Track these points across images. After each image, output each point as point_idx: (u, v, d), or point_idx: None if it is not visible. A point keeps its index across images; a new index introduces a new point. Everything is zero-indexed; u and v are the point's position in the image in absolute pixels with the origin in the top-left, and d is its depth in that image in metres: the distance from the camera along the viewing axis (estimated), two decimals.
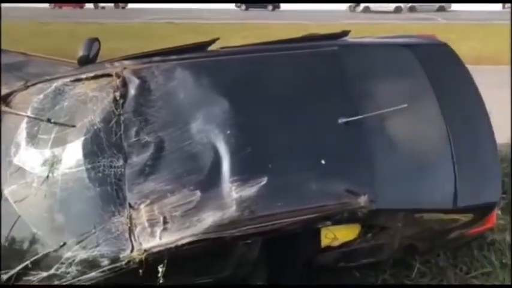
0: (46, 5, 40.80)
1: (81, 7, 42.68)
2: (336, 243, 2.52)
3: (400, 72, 2.74)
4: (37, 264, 2.18)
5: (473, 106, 2.73)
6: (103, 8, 42.07)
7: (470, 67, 2.89)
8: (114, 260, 2.10)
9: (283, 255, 2.53)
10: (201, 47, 2.66)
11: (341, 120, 2.37)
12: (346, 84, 2.51)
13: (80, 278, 2.11)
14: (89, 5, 42.91)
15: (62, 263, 2.13)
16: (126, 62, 2.52)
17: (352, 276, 3.05)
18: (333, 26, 18.67)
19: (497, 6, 46.02)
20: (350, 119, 2.37)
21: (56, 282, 2.13)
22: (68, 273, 2.12)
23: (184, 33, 15.51)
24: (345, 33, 2.86)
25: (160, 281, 2.09)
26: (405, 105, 2.41)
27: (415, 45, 2.88)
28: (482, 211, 2.61)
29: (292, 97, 2.45)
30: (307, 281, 2.74)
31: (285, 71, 2.53)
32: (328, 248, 2.53)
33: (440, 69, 2.78)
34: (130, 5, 44.24)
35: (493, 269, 3.09)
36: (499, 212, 3.53)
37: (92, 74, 2.50)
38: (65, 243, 2.15)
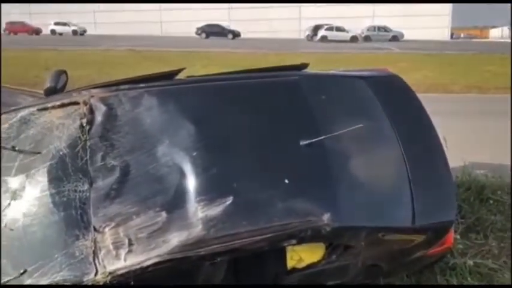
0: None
1: (38, 33, 41.92)
2: (301, 265, 2.55)
3: (355, 100, 2.88)
4: None
5: (426, 131, 2.87)
6: (60, 34, 41.35)
7: (423, 95, 3.06)
8: (77, 285, 2.05)
9: (249, 277, 2.53)
10: (168, 76, 2.73)
11: (302, 142, 2.45)
12: (306, 110, 2.62)
13: None
14: (46, 31, 42.19)
15: None
16: (94, 91, 2.54)
17: None
18: (292, 55, 19.20)
19: (447, 37, 48.73)
20: (311, 140, 2.45)
21: None
22: None
23: (145, 61, 15.46)
24: (305, 65, 3.02)
25: None
26: (361, 125, 2.53)
27: (368, 77, 3.06)
28: (439, 230, 2.71)
29: (256, 122, 2.53)
30: None
31: (248, 98, 2.62)
32: (294, 270, 2.55)
33: (392, 98, 2.94)
34: (89, 32, 43.88)
35: None
36: (458, 237, 3.68)
37: (58, 103, 2.51)
38: (25, 271, 2.09)
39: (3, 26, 41.28)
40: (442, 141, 2.84)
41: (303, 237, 2.27)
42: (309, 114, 2.61)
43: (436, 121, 2.90)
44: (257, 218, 2.22)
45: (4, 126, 2.51)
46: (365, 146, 2.68)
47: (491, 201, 4.20)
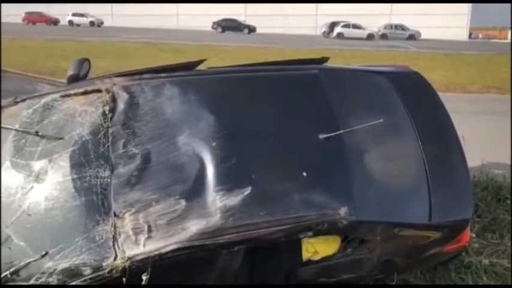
0: (19, 19, 40.32)
1: (55, 23, 42.31)
2: (316, 257, 2.58)
3: (376, 96, 2.88)
4: (17, 274, 2.14)
5: (445, 130, 2.87)
6: (78, 25, 41.69)
7: (441, 94, 3.04)
8: (97, 268, 2.09)
9: (264, 267, 2.56)
10: (190, 66, 2.77)
11: (322, 136, 2.47)
12: (326, 104, 2.63)
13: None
14: (63, 22, 42.55)
15: (43, 273, 2.11)
16: (116, 79, 2.58)
17: None
18: (308, 51, 19.11)
19: (465, 37, 48.06)
20: (330, 134, 2.47)
21: None
22: (48, 283, 2.09)
23: (162, 53, 15.54)
24: (325, 59, 3.02)
25: (142, 284, 2.08)
26: (381, 120, 2.53)
27: (390, 73, 3.06)
28: (455, 228, 2.71)
29: (276, 114, 2.55)
30: None
31: (269, 90, 2.64)
32: (310, 262, 2.58)
33: (413, 95, 2.94)
34: (106, 23, 44.13)
35: None
36: (474, 235, 3.66)
37: (81, 90, 2.55)
38: (46, 253, 2.14)
39: (22, 15, 41.75)
40: (460, 139, 2.83)
41: (319, 230, 2.29)
42: (328, 107, 2.62)
43: (455, 120, 2.89)
44: (274, 209, 2.25)
45: (28, 111, 2.56)
46: (384, 142, 2.69)
47: (508, 201, 4.16)
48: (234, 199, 2.22)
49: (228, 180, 2.26)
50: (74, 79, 2.77)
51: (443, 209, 2.60)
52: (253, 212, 2.21)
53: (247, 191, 2.24)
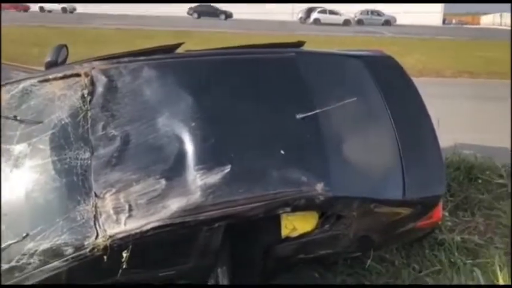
0: None
1: (26, 10, 41.14)
2: (295, 234, 2.66)
3: (351, 78, 2.97)
4: None
5: (418, 110, 2.98)
6: (49, 11, 40.63)
7: (415, 79, 3.14)
8: (78, 247, 2.11)
9: (244, 244, 2.63)
10: (168, 50, 2.79)
11: (299, 116, 2.53)
12: (303, 86, 2.69)
13: (42, 268, 2.11)
14: (34, 8, 41.42)
15: (24, 254, 2.13)
16: (95, 63, 2.58)
17: (311, 276, 3.18)
18: (285, 37, 19.13)
19: (439, 22, 48.75)
20: (307, 114, 2.53)
21: (17, 274, 2.12)
22: (29, 264, 2.11)
23: (138, 39, 15.30)
24: (301, 43, 3.08)
25: (124, 267, 2.13)
26: (355, 98, 2.63)
27: (364, 57, 3.15)
28: (428, 204, 2.83)
29: (254, 95, 2.60)
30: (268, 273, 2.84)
31: (246, 72, 2.69)
32: (288, 239, 2.66)
33: (386, 77, 3.04)
34: (79, 10, 43.12)
35: (443, 268, 3.27)
36: (447, 214, 3.79)
37: (60, 75, 2.53)
38: (27, 234, 2.15)
39: None
40: (435, 122, 2.92)
41: (297, 206, 2.37)
42: (304, 89, 2.68)
43: (429, 103, 2.98)
44: (253, 186, 2.31)
45: (6, 97, 2.53)
46: (359, 122, 2.78)
47: (479, 181, 4.32)
48: (214, 177, 2.26)
49: (208, 159, 2.31)
50: (52, 65, 2.75)
51: (417, 185, 2.70)
52: (232, 190, 2.27)
53: (227, 169, 2.28)
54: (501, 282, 3.02)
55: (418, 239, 3.31)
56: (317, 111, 2.55)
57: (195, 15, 41.03)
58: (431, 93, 4.60)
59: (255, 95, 2.61)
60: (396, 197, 2.66)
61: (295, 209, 2.40)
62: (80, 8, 44.01)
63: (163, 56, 2.68)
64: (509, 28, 36.53)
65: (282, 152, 2.42)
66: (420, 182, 2.74)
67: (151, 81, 2.50)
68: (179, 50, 2.90)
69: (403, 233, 2.96)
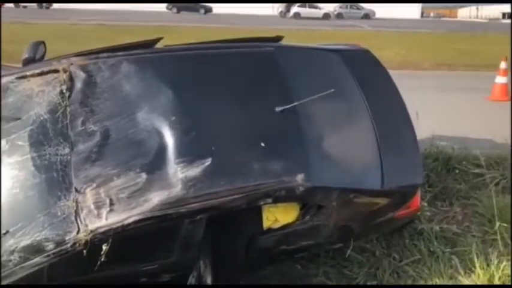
0: None
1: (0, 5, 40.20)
2: (277, 225, 2.70)
3: (328, 71, 3.03)
4: None
5: (394, 102, 3.07)
6: (24, 7, 39.72)
7: (394, 72, 3.20)
8: (60, 242, 2.11)
9: (226, 237, 2.65)
10: (147, 45, 2.79)
11: (278, 109, 2.57)
12: (281, 79, 2.74)
13: (23, 264, 2.10)
14: (9, 4, 40.44)
15: (4, 251, 2.12)
16: (73, 58, 2.57)
17: (294, 268, 3.21)
18: (264, 31, 19.12)
19: (417, 15, 49.28)
20: (285, 106, 2.57)
21: None
22: (10, 261, 2.10)
23: (117, 35, 15.09)
24: (279, 37, 3.12)
25: (105, 260, 2.14)
26: (332, 90, 2.67)
27: (341, 50, 3.23)
28: (406, 193, 2.92)
29: (233, 89, 2.64)
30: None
31: (225, 66, 2.72)
32: (270, 230, 2.70)
33: (363, 70, 3.12)
34: (55, 5, 42.30)
35: (422, 257, 3.33)
36: (426, 204, 3.87)
37: (38, 71, 2.51)
38: (7, 232, 2.13)
39: None
40: (414, 114, 3.00)
41: (277, 197, 2.41)
42: (283, 82, 2.72)
43: (407, 96, 3.05)
44: (234, 178, 2.34)
45: None
46: (337, 114, 2.85)
47: (457, 171, 4.42)
48: (195, 170, 2.28)
49: (188, 152, 2.32)
50: (30, 62, 2.72)
51: (395, 175, 2.78)
52: (213, 182, 2.29)
53: (208, 162, 2.30)
54: (478, 269, 3.10)
55: (397, 228, 3.38)
56: (296, 103, 2.59)
57: (174, 9, 40.68)
58: (410, 86, 4.71)
59: (235, 89, 2.63)
60: (375, 187, 2.73)
61: (276, 200, 2.44)
62: (56, 3, 43.22)
63: (142, 51, 2.68)
64: (486, 20, 37.18)
65: (262, 144, 2.45)
66: (398, 172, 2.82)
67: (130, 76, 2.50)
68: (158, 45, 2.90)
69: (383, 223, 3.03)
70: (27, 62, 2.73)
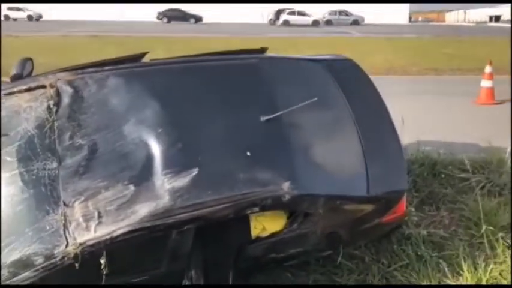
0: None
1: None
2: (265, 234, 2.74)
3: (312, 80, 3.08)
4: None
5: (378, 109, 3.13)
6: (15, 20, 39.67)
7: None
8: (49, 257, 2.13)
9: (215, 247, 2.68)
10: (133, 59, 2.86)
11: (263, 118, 2.61)
12: (266, 89, 2.79)
13: (12, 279, 2.12)
14: None
15: None
16: (60, 74, 2.60)
17: (284, 277, 3.23)
18: (254, 40, 19.24)
19: (405, 20, 49.72)
20: (271, 116, 2.62)
21: None
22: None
23: (107, 47, 15.14)
24: (264, 49, 3.19)
25: (104, 273, 2.16)
26: (315, 98, 2.72)
27: (325, 60, 3.30)
28: (392, 199, 2.96)
29: (218, 100, 2.68)
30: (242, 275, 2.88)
31: (211, 79, 2.76)
32: (258, 239, 2.73)
33: (347, 78, 3.17)
34: (45, 17, 42.29)
35: (410, 261, 3.36)
36: (413, 209, 3.92)
37: (25, 87, 2.55)
38: None
39: None
40: (399, 120, 3.05)
41: (264, 205, 2.44)
42: (268, 93, 2.77)
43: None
44: (221, 188, 2.37)
45: None
46: (322, 122, 2.89)
47: (443, 176, 4.46)
48: (182, 180, 2.31)
49: (175, 164, 2.36)
50: (18, 78, 2.75)
51: (380, 182, 2.82)
52: (201, 192, 2.32)
53: (195, 172, 2.34)
54: (466, 272, 3.14)
55: (385, 234, 3.41)
56: (280, 112, 2.64)
57: (165, 19, 40.78)
58: (397, 91, 4.81)
59: (220, 100, 2.68)
60: (360, 194, 2.77)
61: (263, 208, 2.47)
62: (46, 15, 43.19)
63: (128, 66, 2.73)
64: (473, 24, 37.56)
65: (248, 153, 2.49)
66: (383, 179, 2.86)
67: (117, 91, 2.54)
68: (145, 59, 2.96)
69: (370, 229, 3.06)
70: (15, 78, 2.75)
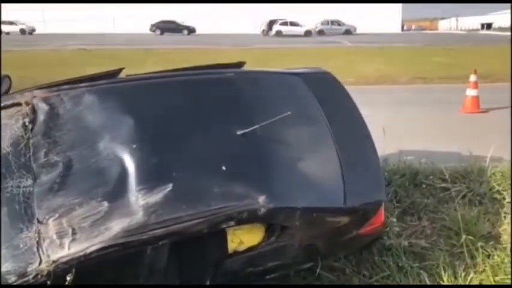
0: None
1: None
2: (242, 248, 2.72)
3: (289, 94, 3.11)
4: None
5: (354, 121, 3.17)
6: (7, 33, 39.67)
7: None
8: (22, 275, 2.12)
9: (192, 262, 2.67)
10: (109, 75, 2.88)
11: (238, 132, 2.63)
12: (241, 103, 2.82)
13: None
14: None
15: None
16: (36, 91, 2.62)
17: None
18: (246, 50, 19.35)
19: (398, 29, 50.12)
20: (246, 130, 2.64)
21: None
22: None
23: (96, 60, 15.17)
24: (242, 63, 3.25)
25: None
26: (289, 112, 2.75)
27: (302, 73, 3.34)
28: (369, 210, 2.97)
29: (194, 115, 2.69)
30: None
31: (187, 93, 2.79)
32: (236, 253, 2.71)
33: (324, 91, 3.21)
34: (38, 30, 42.37)
35: (391, 272, 3.36)
36: (394, 219, 3.92)
37: (1, 105, 2.55)
38: None
39: None
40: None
41: (240, 219, 2.44)
42: (244, 106, 2.80)
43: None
44: (196, 202, 2.37)
45: None
46: (299, 135, 2.91)
47: (424, 186, 4.48)
48: (156, 196, 2.31)
49: (149, 179, 2.36)
50: None
51: (357, 193, 2.84)
52: (175, 207, 2.32)
53: (169, 187, 2.34)
54: (446, 282, 3.15)
55: (365, 246, 3.42)
56: (256, 126, 2.66)
57: (158, 31, 40.96)
58: (384, 101, 4.83)
59: (195, 115, 2.69)
60: (337, 205, 2.79)
61: (239, 222, 2.48)
62: (40, 28, 43.30)
63: (103, 82, 2.75)
64: (465, 32, 37.95)
65: (224, 167, 2.50)
66: (360, 190, 2.88)
67: (92, 107, 2.55)
68: (122, 75, 2.99)
69: (349, 241, 3.06)
70: None
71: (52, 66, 13.78)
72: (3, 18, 40.71)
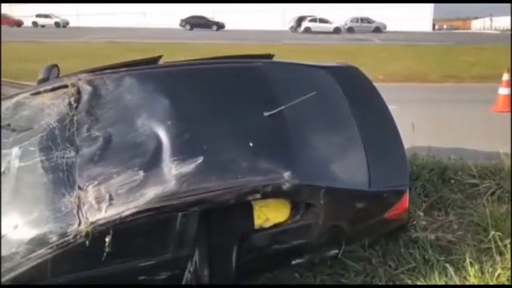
0: None
1: (19, 25, 41.23)
2: (268, 224, 2.85)
3: (315, 82, 3.26)
4: None
5: (380, 112, 3.31)
6: (42, 26, 40.75)
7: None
8: (62, 235, 2.31)
9: (219, 233, 2.80)
10: (148, 62, 3.11)
11: (266, 113, 2.82)
12: (268, 89, 3.01)
13: (29, 256, 2.29)
14: (27, 23, 41.54)
15: (13, 244, 2.32)
16: (81, 75, 2.87)
17: (292, 277, 3.28)
18: (275, 46, 19.37)
19: (429, 28, 49.13)
20: (273, 111, 2.82)
21: (6, 264, 2.30)
22: (17, 253, 2.30)
23: (127, 52, 15.46)
24: (270, 55, 3.43)
25: (107, 250, 2.33)
26: (314, 92, 2.92)
27: (330, 67, 3.50)
28: (393, 194, 3.08)
29: (224, 98, 2.91)
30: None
31: (217, 79, 3.00)
32: (262, 229, 2.85)
33: (350, 83, 3.37)
34: (72, 24, 43.29)
35: (417, 265, 3.39)
36: (422, 213, 3.94)
37: (50, 87, 2.82)
38: (16, 226, 2.36)
39: None
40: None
41: (265, 192, 2.60)
42: (270, 92, 2.99)
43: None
44: (225, 174, 2.56)
45: (2, 110, 2.78)
46: (325, 121, 3.08)
47: (452, 181, 4.47)
48: (188, 167, 2.51)
49: (182, 152, 2.56)
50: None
51: (381, 178, 2.98)
52: (205, 178, 2.51)
53: (200, 160, 2.54)
54: (472, 277, 3.16)
55: (389, 232, 3.46)
56: (282, 107, 2.83)
57: (188, 26, 41.27)
58: (414, 99, 4.81)
59: (225, 98, 2.90)
60: (362, 188, 2.91)
61: (264, 195, 2.62)
62: (73, 21, 44.22)
63: (142, 67, 2.97)
64: (498, 32, 37.00)
65: (251, 144, 2.67)
66: (385, 175, 3.01)
67: (131, 89, 2.77)
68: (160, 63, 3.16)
69: (373, 225, 3.17)
70: (41, 82, 3.01)
71: (85, 58, 14.13)
72: (39, 11, 41.91)
